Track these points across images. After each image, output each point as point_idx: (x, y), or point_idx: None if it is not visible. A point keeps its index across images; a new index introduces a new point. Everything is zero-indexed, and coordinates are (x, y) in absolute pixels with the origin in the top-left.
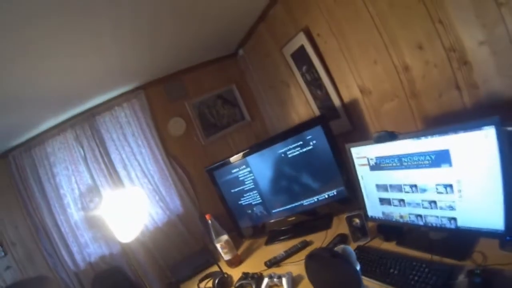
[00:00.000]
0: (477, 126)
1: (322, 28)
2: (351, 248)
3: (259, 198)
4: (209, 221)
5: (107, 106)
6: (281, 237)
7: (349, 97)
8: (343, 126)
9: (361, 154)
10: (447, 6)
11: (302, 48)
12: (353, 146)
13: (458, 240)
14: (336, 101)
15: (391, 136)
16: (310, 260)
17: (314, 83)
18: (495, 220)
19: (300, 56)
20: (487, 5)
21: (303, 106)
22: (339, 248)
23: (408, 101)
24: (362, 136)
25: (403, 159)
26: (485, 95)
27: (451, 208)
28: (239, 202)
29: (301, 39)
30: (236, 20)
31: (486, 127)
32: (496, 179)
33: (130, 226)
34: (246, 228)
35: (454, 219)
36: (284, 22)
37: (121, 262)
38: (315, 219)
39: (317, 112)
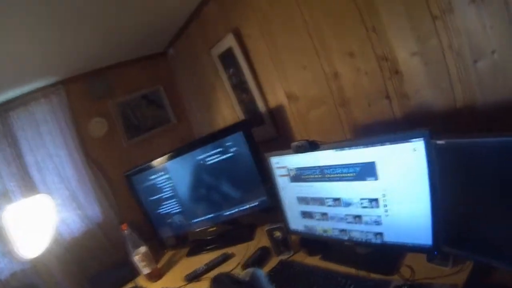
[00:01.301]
0: (406, 138)
1: (253, 30)
2: (261, 271)
3: (179, 207)
4: (125, 232)
5: (22, 101)
6: (204, 248)
7: (275, 102)
8: (268, 132)
9: (281, 164)
10: (381, 14)
11: (230, 50)
12: (273, 156)
13: (385, 255)
14: (262, 107)
15: (312, 146)
16: (215, 284)
17: (240, 87)
18: (423, 235)
19: (228, 58)
20: (422, 17)
21: (229, 110)
22: (247, 272)
23: (337, 108)
24: (288, 143)
25: (325, 171)
26: (416, 105)
27: (377, 223)
28: (158, 211)
29: (230, 40)
30: (169, 15)
31: (415, 140)
32: (423, 194)
33: (36, 238)
34: (168, 238)
35: (380, 234)
36: (216, 22)
37: (35, 278)
38: (237, 230)
39: (242, 117)
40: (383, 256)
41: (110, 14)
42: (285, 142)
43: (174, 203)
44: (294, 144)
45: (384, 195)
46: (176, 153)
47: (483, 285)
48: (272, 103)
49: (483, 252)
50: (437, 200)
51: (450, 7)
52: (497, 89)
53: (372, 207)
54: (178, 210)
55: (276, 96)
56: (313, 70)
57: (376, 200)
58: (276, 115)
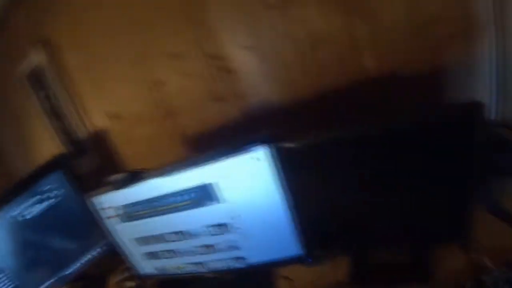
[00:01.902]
0: (245, 148)
1: (66, 40)
2: None
3: (10, 283)
4: None
5: None
6: None
7: (96, 125)
8: (93, 163)
9: (106, 205)
10: (210, 6)
11: (39, 67)
12: (93, 196)
13: (256, 274)
14: (82, 133)
15: (131, 177)
16: None
17: (55, 112)
18: (290, 247)
19: (38, 78)
20: (255, 8)
21: (48, 143)
22: None
23: (165, 122)
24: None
25: (155, 203)
26: (253, 104)
27: (234, 248)
28: None
29: (39, 55)
30: None
31: (256, 148)
32: (279, 206)
33: None
34: None
35: (242, 257)
36: (23, 33)
37: None
38: (87, 286)
39: (62, 149)
40: (253, 275)
41: None
42: (115, 171)
43: (2, 280)
44: (110, 179)
45: (232, 218)
46: None
47: (367, 272)
48: (93, 126)
49: (354, 243)
50: (294, 208)
51: None
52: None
53: (222, 233)
54: (10, 286)
55: (97, 117)
56: (134, 81)
57: (225, 224)
58: (99, 141)
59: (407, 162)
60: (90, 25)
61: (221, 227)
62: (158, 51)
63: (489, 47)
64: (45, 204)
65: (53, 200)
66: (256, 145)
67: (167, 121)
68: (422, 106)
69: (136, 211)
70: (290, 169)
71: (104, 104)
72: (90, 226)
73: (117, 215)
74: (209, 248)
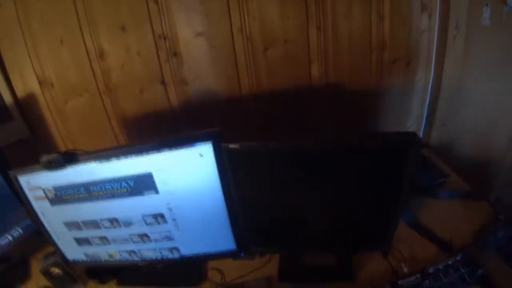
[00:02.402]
0: (189, 142)
1: None
2: None
3: None
4: None
5: None
6: None
7: (24, 90)
8: (19, 132)
9: (34, 184)
10: None
11: None
12: (20, 174)
13: (187, 264)
14: (7, 96)
15: (67, 159)
16: None
17: None
18: (224, 242)
19: None
20: None
21: None
22: None
23: (102, 97)
24: (48, 146)
25: (91, 188)
26: (195, 92)
27: (169, 238)
28: None
29: None
30: None
31: (200, 144)
32: (217, 202)
33: None
34: None
35: (176, 248)
36: None
37: None
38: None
39: None
40: (185, 266)
41: None
42: (43, 144)
43: None
44: (43, 159)
45: (170, 209)
46: None
47: (294, 269)
48: (21, 91)
49: (287, 244)
50: (232, 205)
51: None
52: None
53: (158, 223)
54: None
55: (26, 80)
56: (73, 46)
57: (161, 215)
58: (27, 108)
59: (345, 175)
60: None
61: (157, 217)
62: (102, 19)
63: (425, 79)
64: None
65: None
66: (202, 140)
67: (104, 96)
68: (366, 130)
69: (68, 194)
70: (231, 168)
71: (36, 66)
72: (9, 204)
73: (46, 197)
74: (143, 237)
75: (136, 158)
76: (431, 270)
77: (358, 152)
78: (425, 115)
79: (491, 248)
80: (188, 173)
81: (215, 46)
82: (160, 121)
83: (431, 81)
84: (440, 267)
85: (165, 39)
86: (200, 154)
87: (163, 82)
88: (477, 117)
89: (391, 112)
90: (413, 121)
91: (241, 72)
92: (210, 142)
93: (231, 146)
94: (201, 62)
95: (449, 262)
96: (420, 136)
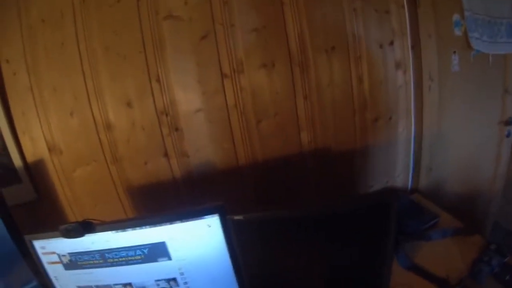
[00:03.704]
0: (198, 215)
1: (15, 53)
2: None
3: None
4: None
5: None
6: None
7: (34, 154)
8: (26, 194)
9: (49, 249)
10: (169, 64)
11: None
12: (36, 239)
13: None
14: (17, 159)
15: (85, 228)
16: None
17: None
18: None
19: None
20: (211, 73)
21: None
22: None
23: (109, 166)
24: (53, 210)
25: (107, 255)
26: (196, 165)
27: None
28: None
29: None
30: None
31: (208, 216)
32: (226, 268)
33: None
34: None
35: None
36: None
37: None
38: None
39: None
40: None
41: None
42: (48, 207)
43: None
44: (63, 227)
45: (182, 273)
46: None
47: None
48: (30, 155)
49: None
50: (240, 270)
51: (241, 68)
52: (275, 147)
53: (171, 287)
54: None
55: (36, 145)
56: (82, 117)
57: (174, 279)
58: (35, 172)
59: (337, 235)
60: (44, 47)
61: (170, 281)
62: (110, 95)
63: (407, 130)
64: None
65: None
66: (210, 213)
67: (111, 166)
68: (351, 193)
69: (84, 260)
70: (237, 236)
71: (47, 133)
72: (17, 265)
73: (61, 262)
74: None
75: (150, 228)
76: None
77: (345, 215)
78: (411, 163)
79: (487, 277)
80: (198, 241)
81: (212, 121)
82: (164, 190)
83: (412, 131)
84: None
85: (167, 115)
86: (208, 225)
87: (166, 155)
88: (459, 156)
89: (379, 166)
90: (401, 170)
91: (237, 144)
92: (217, 214)
93: (236, 217)
94: (200, 136)
95: None
96: (409, 183)
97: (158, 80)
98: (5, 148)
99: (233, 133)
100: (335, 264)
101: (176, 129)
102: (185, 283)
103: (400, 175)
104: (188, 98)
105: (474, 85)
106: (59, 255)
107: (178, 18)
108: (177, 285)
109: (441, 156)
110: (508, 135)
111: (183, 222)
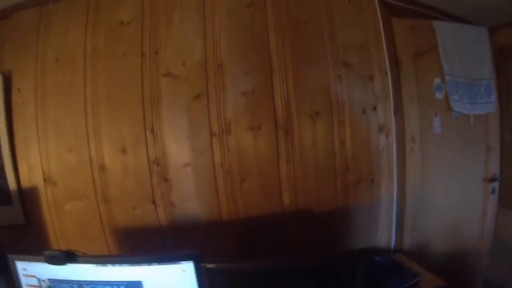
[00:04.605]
0: (174, 259)
1: (27, 84)
2: None
3: None
4: None
5: None
6: None
7: (29, 181)
8: (15, 217)
9: (30, 272)
10: (164, 118)
11: None
12: (20, 260)
13: None
14: (12, 182)
15: (69, 257)
16: None
17: None
18: None
19: None
20: (201, 130)
21: None
22: None
23: (98, 205)
24: (39, 237)
25: (84, 286)
26: (181, 215)
27: None
28: None
29: None
30: None
31: (184, 262)
32: None
33: None
34: None
35: None
36: None
37: None
38: None
39: None
40: None
41: None
42: (35, 234)
43: None
44: (47, 253)
45: None
46: None
47: None
48: (25, 180)
49: None
50: None
51: (228, 129)
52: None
53: None
54: None
55: (32, 173)
56: (79, 155)
57: None
58: (28, 197)
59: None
60: (54, 85)
61: None
62: (107, 139)
63: (389, 192)
64: None
65: None
66: (185, 259)
67: (101, 205)
68: (329, 251)
69: None
70: (209, 283)
71: (44, 163)
72: None
73: (40, 287)
74: None
75: (129, 267)
76: None
77: (313, 271)
78: (393, 224)
79: None
80: (173, 284)
81: (199, 176)
82: (149, 235)
83: (395, 193)
84: None
85: (157, 165)
86: (183, 270)
87: (153, 202)
88: (444, 215)
89: (361, 227)
90: (383, 231)
91: (221, 200)
92: (192, 261)
93: (208, 266)
94: (187, 188)
95: None
96: (392, 243)
97: (152, 131)
98: (2, 168)
99: (218, 189)
100: None
101: (165, 180)
102: None
103: (382, 235)
104: (178, 152)
105: (457, 145)
106: (39, 279)
107: (176, 77)
108: None
109: (425, 216)
110: (493, 192)
111: (160, 264)
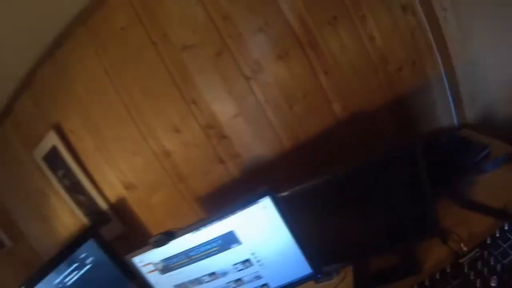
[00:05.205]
0: (253, 201)
1: (75, 123)
2: None
3: None
4: None
5: None
6: None
7: (115, 196)
8: (117, 229)
9: (146, 261)
10: (198, 86)
11: (54, 149)
12: (134, 256)
13: None
14: (103, 204)
15: (168, 236)
16: None
17: (75, 188)
18: (301, 269)
19: (54, 159)
20: (236, 80)
21: (69, 217)
22: None
23: (177, 187)
24: (141, 234)
25: (190, 253)
26: (249, 161)
27: (258, 277)
28: None
29: (53, 138)
30: None
31: (261, 200)
32: (287, 238)
33: None
34: None
35: (266, 284)
36: (33, 118)
37: None
38: None
39: (84, 221)
40: None
41: None
42: (137, 234)
43: None
44: (151, 240)
45: (253, 253)
46: (27, 286)
47: (368, 277)
48: (112, 197)
49: (351, 255)
50: (301, 238)
51: (260, 67)
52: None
53: (247, 267)
54: None
55: (114, 189)
56: (143, 154)
57: (248, 260)
58: (120, 209)
59: (376, 186)
60: (95, 109)
61: (245, 262)
62: (159, 128)
63: (435, 68)
64: (83, 271)
65: (89, 266)
66: (261, 197)
67: (179, 185)
68: (379, 146)
69: (173, 263)
70: (290, 210)
71: (119, 176)
72: (123, 284)
73: (156, 269)
74: (238, 282)
75: (218, 222)
76: (488, 240)
77: (378, 166)
78: (450, 100)
79: None
80: (259, 222)
81: (251, 120)
82: (227, 191)
83: (441, 68)
84: (497, 234)
85: (211, 128)
86: (263, 207)
87: (221, 161)
88: (499, 75)
89: (417, 113)
90: (441, 111)
91: (279, 132)
92: (268, 196)
93: (282, 194)
94: (245, 135)
95: (505, 227)
96: (454, 120)
97: (194, 102)
98: (91, 198)
99: (272, 123)
100: (381, 215)
101: (224, 137)
102: (258, 261)
103: (441, 116)
104: (224, 108)
105: None
106: (154, 264)
107: (192, 46)
108: (252, 264)
109: (480, 82)
110: None
111: (243, 210)
